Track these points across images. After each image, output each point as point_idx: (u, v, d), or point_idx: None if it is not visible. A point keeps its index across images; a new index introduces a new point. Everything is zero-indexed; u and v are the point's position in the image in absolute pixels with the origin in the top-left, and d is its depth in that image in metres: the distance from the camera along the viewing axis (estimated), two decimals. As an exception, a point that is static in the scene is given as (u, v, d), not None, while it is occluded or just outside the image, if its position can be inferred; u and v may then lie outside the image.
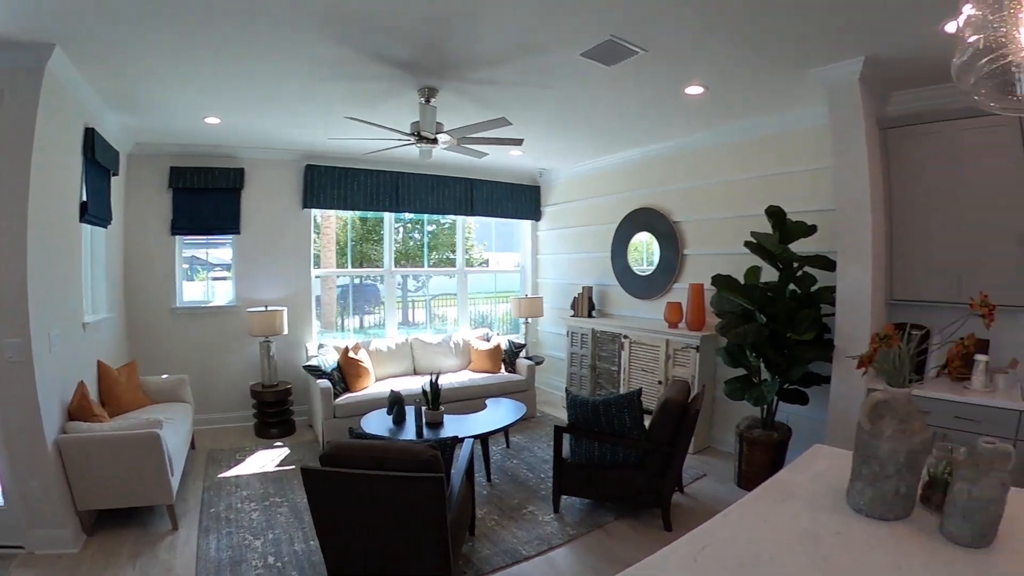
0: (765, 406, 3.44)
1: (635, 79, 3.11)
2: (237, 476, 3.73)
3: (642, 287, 5.04)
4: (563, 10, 2.29)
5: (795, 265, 3.35)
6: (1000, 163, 2.78)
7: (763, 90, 3.34)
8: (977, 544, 1.24)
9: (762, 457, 3.43)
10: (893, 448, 1.35)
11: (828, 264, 3.26)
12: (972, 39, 0.80)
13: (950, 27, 2.37)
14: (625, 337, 4.77)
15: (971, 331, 1.87)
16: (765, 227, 3.46)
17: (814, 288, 3.38)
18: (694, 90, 3.31)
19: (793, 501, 1.52)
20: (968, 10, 0.81)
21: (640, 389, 3.21)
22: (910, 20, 2.39)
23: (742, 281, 3.47)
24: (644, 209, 4.98)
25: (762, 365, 3.46)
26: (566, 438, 3.18)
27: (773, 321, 3.32)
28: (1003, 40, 0.75)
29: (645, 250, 5.02)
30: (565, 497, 3.24)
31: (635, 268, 5.12)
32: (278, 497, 3.39)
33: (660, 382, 4.39)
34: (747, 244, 3.42)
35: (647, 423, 3.09)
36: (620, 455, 3.02)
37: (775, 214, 3.36)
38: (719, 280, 3.47)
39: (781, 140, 3.95)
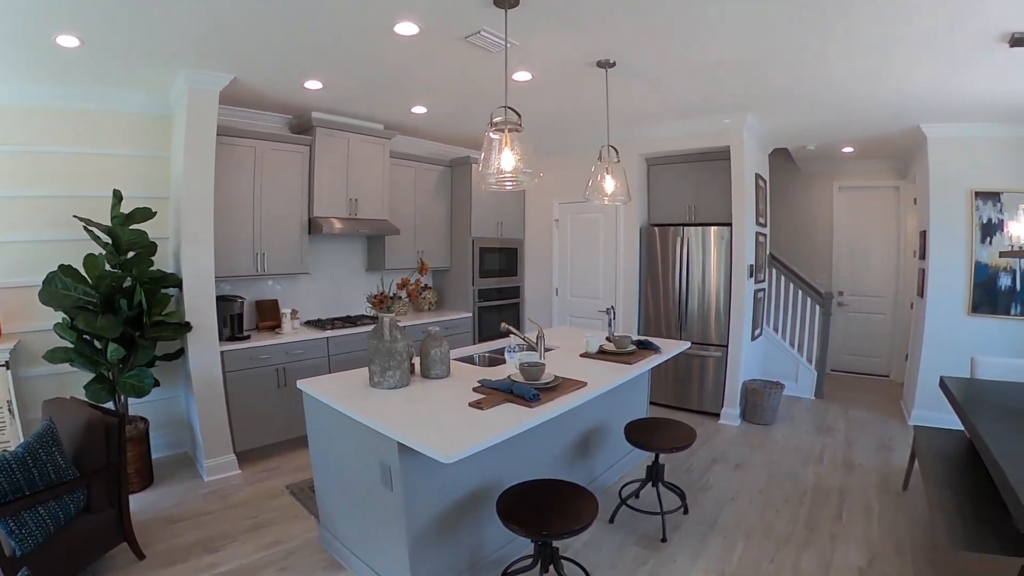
0: (119, 398, 3.60)
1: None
2: None
3: None
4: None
5: (129, 252, 3.68)
6: (293, 175, 4.50)
7: (134, 62, 3.40)
8: (445, 375, 2.84)
9: (136, 450, 3.63)
10: (404, 345, 2.68)
11: (153, 249, 3.78)
12: (493, 160, 2.21)
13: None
14: None
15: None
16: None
17: (151, 271, 3.80)
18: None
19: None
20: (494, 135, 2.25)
21: (51, 417, 2.70)
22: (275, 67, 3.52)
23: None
24: None
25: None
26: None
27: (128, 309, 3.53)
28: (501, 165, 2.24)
29: None
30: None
31: None
32: None
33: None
34: (87, 229, 3.49)
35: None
36: (71, 507, 2.55)
37: (120, 197, 3.59)
38: (67, 271, 3.37)
39: (107, 117, 4.00)
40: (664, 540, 3.04)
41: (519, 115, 2.44)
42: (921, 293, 5.20)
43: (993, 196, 4.68)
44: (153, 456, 3.90)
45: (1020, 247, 3.07)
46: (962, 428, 3.17)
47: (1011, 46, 2.90)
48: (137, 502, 3.44)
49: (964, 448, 3.23)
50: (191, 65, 3.46)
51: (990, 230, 4.69)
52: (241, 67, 3.55)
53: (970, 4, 2.53)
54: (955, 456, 3.12)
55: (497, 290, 6.11)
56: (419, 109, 4.68)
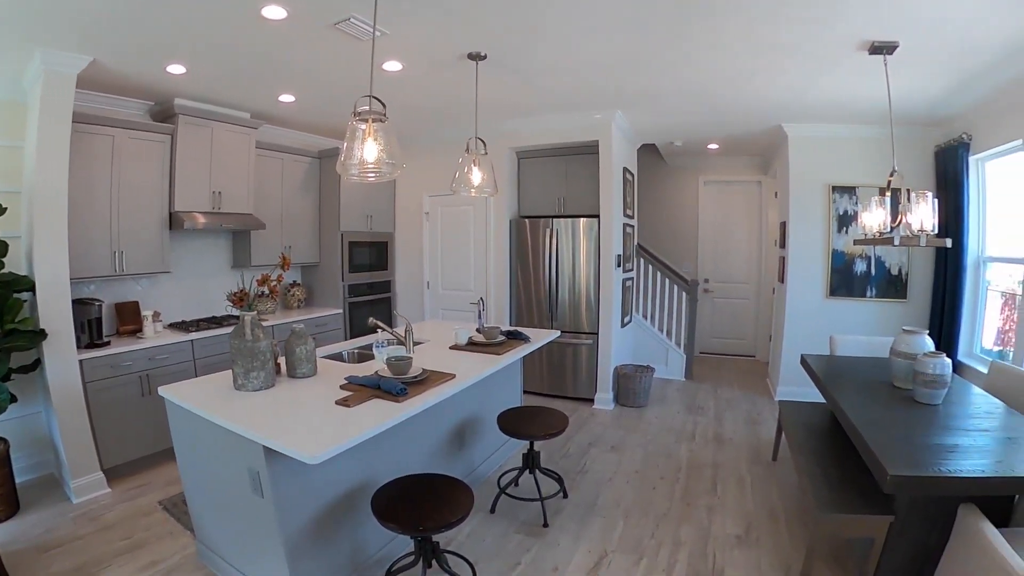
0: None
1: None
2: None
3: None
4: None
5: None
6: (153, 166, 4.17)
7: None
8: (312, 374, 2.74)
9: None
10: (267, 344, 2.57)
11: (4, 250, 3.40)
12: (356, 150, 2.15)
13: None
14: None
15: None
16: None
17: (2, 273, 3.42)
18: None
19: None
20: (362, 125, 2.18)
21: None
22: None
23: None
24: None
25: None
26: None
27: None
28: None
29: None
30: None
31: None
32: None
33: None
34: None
35: None
36: None
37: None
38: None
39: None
40: (546, 525, 3.12)
41: (384, 105, 2.39)
42: (782, 279, 5.63)
43: (849, 190, 5.15)
44: (17, 480, 3.55)
45: (872, 235, 3.39)
46: (824, 401, 3.43)
47: (870, 53, 3.17)
48: (4, 532, 3.17)
49: (826, 419, 3.52)
50: (47, 44, 3.16)
51: (846, 221, 5.16)
52: (100, 48, 3.27)
53: (835, 14, 2.75)
54: (819, 427, 3.39)
55: (368, 285, 6.04)
56: (287, 98, 4.52)
